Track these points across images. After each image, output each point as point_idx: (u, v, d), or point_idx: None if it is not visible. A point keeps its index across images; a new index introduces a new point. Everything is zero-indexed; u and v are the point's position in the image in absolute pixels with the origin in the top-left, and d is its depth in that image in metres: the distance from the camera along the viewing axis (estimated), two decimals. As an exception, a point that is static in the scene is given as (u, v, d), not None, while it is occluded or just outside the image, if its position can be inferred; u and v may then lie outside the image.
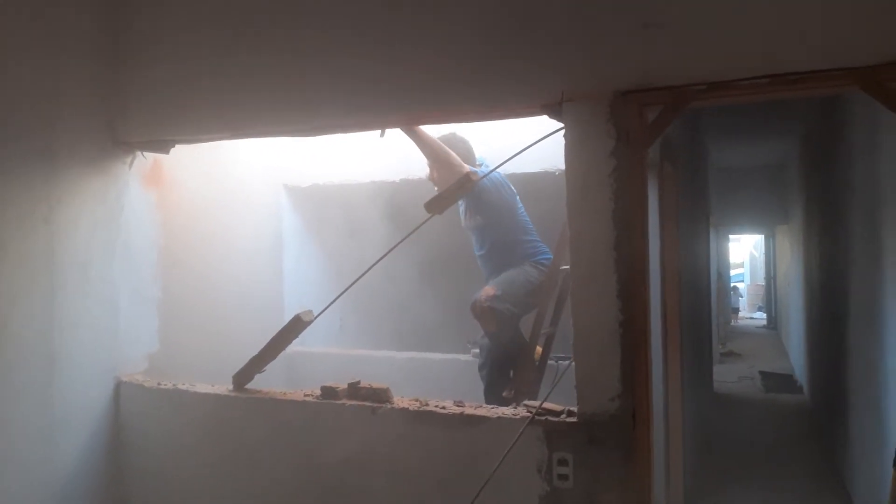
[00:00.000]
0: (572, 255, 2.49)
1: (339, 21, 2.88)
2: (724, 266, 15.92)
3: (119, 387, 3.34)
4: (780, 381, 10.14)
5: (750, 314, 20.62)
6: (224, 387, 3.22)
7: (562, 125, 2.50)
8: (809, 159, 7.57)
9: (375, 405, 2.85)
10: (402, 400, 2.89)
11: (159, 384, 3.32)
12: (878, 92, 2.10)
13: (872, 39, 2.09)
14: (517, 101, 2.57)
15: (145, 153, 3.44)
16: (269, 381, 3.26)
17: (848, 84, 2.17)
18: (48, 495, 3.02)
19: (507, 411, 2.70)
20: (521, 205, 3.73)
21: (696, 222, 6.46)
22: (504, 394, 3.38)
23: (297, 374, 4.54)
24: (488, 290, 3.56)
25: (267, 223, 4.61)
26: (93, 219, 3.22)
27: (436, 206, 2.93)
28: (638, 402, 2.41)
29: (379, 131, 3.24)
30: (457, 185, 2.86)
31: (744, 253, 25.93)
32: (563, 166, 3.85)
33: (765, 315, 19.55)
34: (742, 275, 25.81)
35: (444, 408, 2.78)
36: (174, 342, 3.61)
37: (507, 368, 3.56)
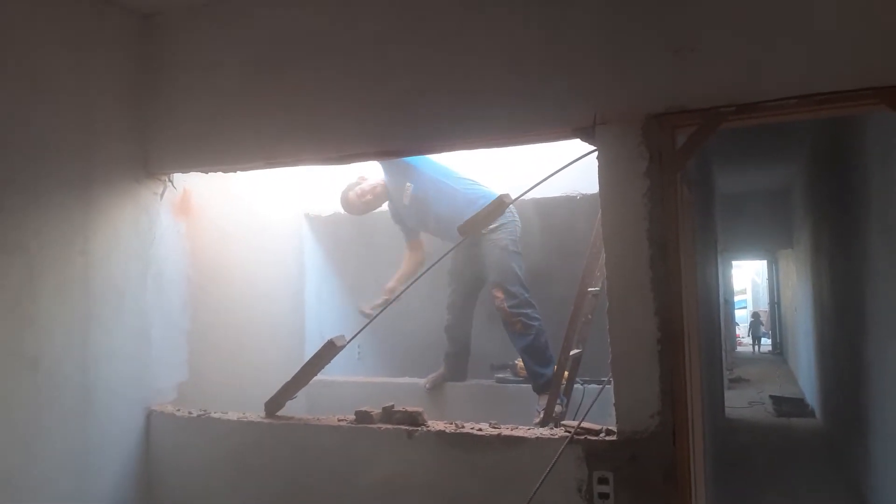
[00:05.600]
0: (609, 275, 2.52)
1: (365, 53, 2.96)
2: (729, 292, 15.95)
3: (150, 416, 3.35)
4: (791, 404, 10.12)
5: (754, 340, 20.50)
6: (256, 414, 3.24)
7: (594, 148, 2.56)
8: (816, 181, 7.65)
9: (411, 428, 2.86)
10: (437, 423, 2.91)
11: (191, 413, 3.33)
12: (907, 109, 2.16)
13: (900, 58, 2.16)
14: (550, 125, 2.63)
15: (174, 183, 3.50)
16: (289, 411, 3.27)
17: (877, 104, 2.23)
18: (81, 527, 3.02)
19: (545, 432, 2.72)
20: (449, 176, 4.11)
21: (706, 248, 6.51)
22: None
23: (318, 403, 4.53)
24: (497, 294, 3.85)
25: (289, 252, 4.66)
26: (126, 249, 3.27)
27: (470, 228, 2.98)
28: (678, 418, 2.43)
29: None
30: (492, 207, 2.91)
31: (746, 279, 25.99)
32: (583, 191, 3.99)
33: (769, 341, 19.51)
34: (744, 301, 25.84)
35: (480, 430, 2.79)
36: (202, 372, 3.63)
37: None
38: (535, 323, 3.90)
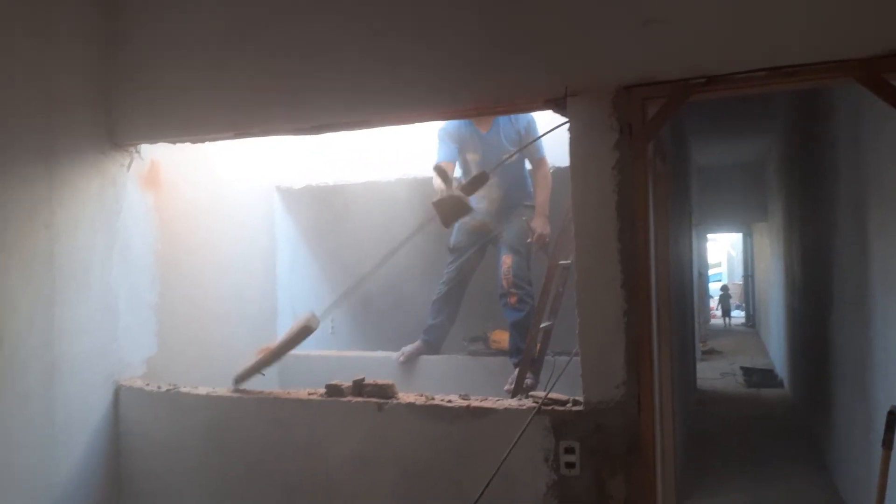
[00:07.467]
0: (577, 247, 2.53)
1: (339, 21, 2.91)
2: (703, 265, 16.11)
3: (119, 391, 3.32)
4: (761, 376, 10.30)
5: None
6: (226, 388, 3.22)
7: (566, 119, 2.54)
8: (789, 155, 7.71)
9: (381, 401, 2.87)
10: (407, 395, 2.92)
11: (159, 387, 3.30)
12: (873, 83, 2.17)
13: (867, 32, 2.16)
14: (521, 96, 2.62)
15: (142, 154, 3.44)
16: (262, 385, 3.26)
17: (843, 76, 2.24)
18: (49, 502, 3.00)
19: (513, 403, 2.74)
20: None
21: (680, 221, 6.56)
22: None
23: (291, 377, 4.53)
24: (506, 260, 3.99)
25: (260, 225, 4.61)
26: (92, 222, 3.21)
27: (445, 206, 2.97)
28: (643, 388, 2.46)
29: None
30: (476, 181, 2.93)
31: (721, 252, 26.29)
32: (561, 163, 3.98)
33: (743, 313, 19.78)
34: (720, 274, 26.17)
35: (450, 401, 2.81)
36: (171, 346, 3.60)
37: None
38: (530, 301, 3.99)
